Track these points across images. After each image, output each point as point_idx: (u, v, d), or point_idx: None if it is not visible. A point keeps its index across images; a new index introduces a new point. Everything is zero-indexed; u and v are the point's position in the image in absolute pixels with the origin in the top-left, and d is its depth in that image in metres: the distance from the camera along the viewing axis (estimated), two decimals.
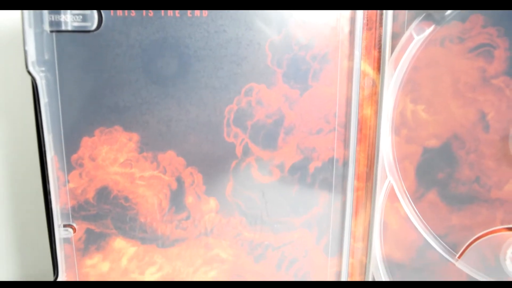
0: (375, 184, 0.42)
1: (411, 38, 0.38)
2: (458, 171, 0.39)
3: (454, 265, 0.40)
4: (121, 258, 0.42)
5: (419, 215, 0.41)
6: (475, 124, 0.37)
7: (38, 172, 0.39)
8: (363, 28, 0.40)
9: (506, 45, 0.36)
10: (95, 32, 0.38)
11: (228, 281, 0.44)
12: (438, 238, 0.41)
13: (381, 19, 0.40)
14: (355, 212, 0.44)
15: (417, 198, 0.41)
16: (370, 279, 0.45)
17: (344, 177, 0.43)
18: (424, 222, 0.41)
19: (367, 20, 0.40)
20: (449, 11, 0.37)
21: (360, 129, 0.42)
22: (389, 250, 0.44)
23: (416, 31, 0.38)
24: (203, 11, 0.38)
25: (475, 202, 0.39)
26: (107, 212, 0.41)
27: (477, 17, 0.36)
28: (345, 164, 0.42)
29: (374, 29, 0.40)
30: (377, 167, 0.42)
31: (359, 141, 0.42)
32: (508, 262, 0.38)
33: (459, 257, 0.40)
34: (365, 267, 0.45)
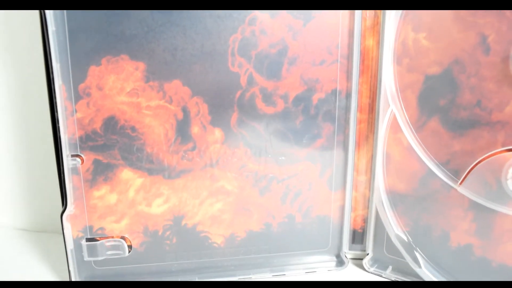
0: (378, 115, 0.43)
1: None
2: (459, 96, 0.39)
3: (457, 191, 0.41)
4: (128, 189, 0.43)
5: (422, 143, 0.42)
6: (475, 47, 0.38)
7: (47, 103, 0.39)
8: None
9: None
10: None
11: (229, 281, 0.44)
12: (441, 166, 0.42)
13: None
14: (358, 145, 0.45)
15: (419, 126, 0.42)
16: (373, 212, 0.46)
17: (347, 109, 0.44)
18: (427, 150, 0.42)
19: None
20: None
21: (362, 60, 0.43)
22: (392, 182, 0.44)
23: None
24: None
25: (476, 126, 0.39)
26: (114, 143, 0.42)
27: None
28: (348, 95, 0.43)
29: None
30: (379, 98, 0.43)
31: (362, 72, 0.43)
32: (509, 181, 0.38)
33: (461, 183, 0.40)
34: (368, 201, 0.46)
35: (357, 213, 0.47)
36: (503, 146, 0.38)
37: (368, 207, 0.46)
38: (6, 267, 0.48)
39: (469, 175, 0.40)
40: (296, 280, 0.45)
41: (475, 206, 0.41)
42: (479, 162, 0.39)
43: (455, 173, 0.41)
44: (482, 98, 0.38)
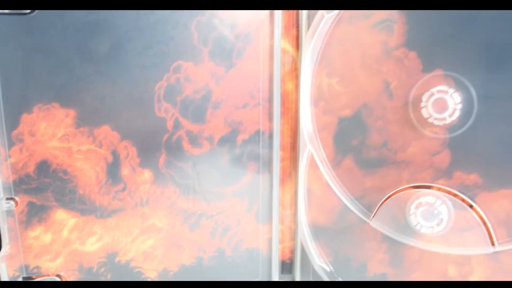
0: (299, 154, 0.47)
1: (322, 17, 0.43)
2: (368, 138, 0.43)
3: (370, 225, 0.44)
4: (62, 229, 0.46)
5: (338, 180, 0.45)
6: (380, 93, 0.42)
7: None
8: None
9: (403, 19, 0.40)
10: (30, 15, 0.41)
11: (230, 281, 0.47)
12: (355, 201, 0.45)
13: None
14: (282, 181, 0.48)
15: (335, 164, 0.45)
16: (298, 244, 0.49)
17: (270, 148, 0.47)
18: (343, 186, 0.45)
19: None
20: None
21: (282, 103, 0.46)
22: (314, 216, 0.48)
23: (327, 10, 0.43)
24: None
25: (384, 165, 0.43)
26: (47, 185, 0.44)
27: None
28: (271, 136, 0.47)
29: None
30: (299, 138, 0.46)
31: (282, 114, 0.47)
32: (412, 217, 0.42)
33: (372, 217, 0.44)
34: (294, 233, 0.50)
35: (284, 244, 0.50)
36: (407, 183, 0.42)
37: (294, 239, 0.49)
38: None
39: (379, 210, 0.43)
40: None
41: (387, 238, 0.44)
42: (387, 198, 0.43)
43: (368, 208, 0.44)
44: (388, 140, 0.42)
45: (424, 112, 0.40)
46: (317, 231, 0.48)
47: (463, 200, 0.40)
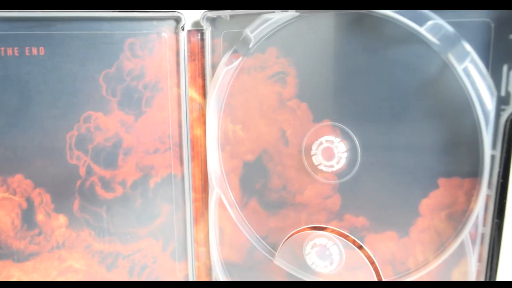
0: (209, 195, 0.50)
1: (223, 68, 0.46)
2: (270, 181, 0.46)
3: (274, 263, 0.48)
4: None
5: (246, 220, 0.48)
6: (278, 140, 0.45)
7: None
8: (187, 59, 0.48)
9: (294, 73, 0.44)
10: None
11: (228, 280, 0.50)
12: (261, 240, 0.48)
13: (202, 51, 0.48)
14: (196, 220, 0.51)
15: (242, 205, 0.48)
16: (214, 279, 0.52)
17: (182, 190, 0.50)
18: (250, 226, 0.48)
19: (190, 53, 0.48)
20: (251, 44, 0.44)
21: (192, 147, 0.49)
22: (226, 253, 0.51)
23: (227, 63, 0.46)
24: (40, 48, 0.45)
25: (284, 207, 0.46)
26: None
27: (272, 49, 0.44)
28: (182, 178, 0.50)
29: (197, 60, 0.48)
30: (208, 180, 0.49)
31: (193, 158, 0.50)
32: (307, 256, 0.45)
33: (276, 256, 0.47)
34: (209, 269, 0.53)
35: (201, 279, 0.53)
36: (305, 223, 0.45)
37: (210, 275, 0.52)
38: None
39: (282, 249, 0.47)
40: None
41: (290, 275, 0.47)
42: (287, 238, 0.46)
43: (273, 247, 0.48)
44: (287, 183, 0.45)
45: (315, 159, 0.43)
46: (230, 267, 0.51)
47: (353, 242, 0.43)
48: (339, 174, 0.42)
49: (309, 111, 0.43)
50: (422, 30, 0.36)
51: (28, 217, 0.46)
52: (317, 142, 0.42)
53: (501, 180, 0.35)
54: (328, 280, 0.44)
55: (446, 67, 0.36)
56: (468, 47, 0.35)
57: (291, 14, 0.41)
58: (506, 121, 0.34)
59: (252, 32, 0.43)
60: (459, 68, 0.35)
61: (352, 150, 0.41)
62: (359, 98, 0.41)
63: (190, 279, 0.52)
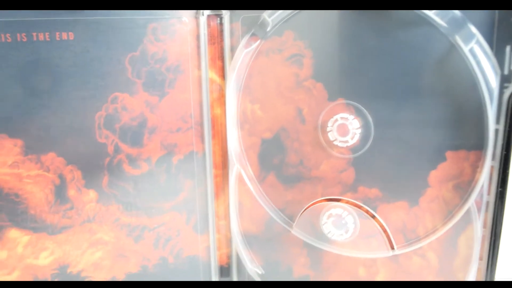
0: (229, 171, 0.53)
1: (242, 51, 0.49)
2: (287, 157, 0.50)
3: (292, 233, 0.52)
4: (17, 246, 0.52)
5: (264, 194, 0.52)
6: (295, 118, 0.49)
7: None
8: (207, 43, 0.51)
9: (310, 54, 0.47)
10: None
11: (228, 281, 0.54)
12: (279, 212, 0.52)
13: (221, 35, 0.51)
14: (216, 195, 0.55)
15: (261, 180, 0.52)
16: (234, 251, 0.56)
17: (204, 166, 0.54)
18: (268, 199, 0.52)
19: (210, 37, 0.51)
20: (269, 28, 0.48)
21: (213, 126, 0.53)
22: (246, 225, 0.55)
23: (246, 45, 0.49)
24: (70, 33, 0.48)
25: (301, 181, 0.50)
26: (0, 208, 0.50)
27: (289, 33, 0.48)
28: (203, 155, 0.53)
29: (217, 43, 0.51)
30: (228, 157, 0.53)
31: (213, 136, 0.53)
32: (324, 226, 0.49)
33: (294, 227, 0.51)
34: (229, 241, 0.57)
35: (221, 251, 0.57)
36: (321, 196, 0.49)
37: (230, 247, 0.57)
38: None
39: (299, 220, 0.50)
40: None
41: (307, 245, 0.51)
42: (305, 209, 0.50)
43: (291, 218, 0.52)
44: (304, 158, 0.49)
45: (331, 135, 0.47)
46: (249, 239, 0.55)
47: (366, 211, 0.47)
48: (353, 149, 0.46)
49: (324, 90, 0.46)
50: (431, 13, 0.39)
51: (60, 192, 0.50)
52: (332, 119, 0.46)
53: (504, 152, 0.39)
54: (343, 247, 0.48)
55: (453, 48, 0.39)
56: (474, 29, 0.39)
57: None
58: (509, 97, 0.38)
59: (269, 16, 0.46)
60: (466, 49, 0.39)
61: (366, 126, 0.45)
62: (371, 78, 0.44)
63: (212, 250, 0.56)
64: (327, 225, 0.48)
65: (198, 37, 0.50)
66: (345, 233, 0.47)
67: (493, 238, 0.40)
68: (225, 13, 0.50)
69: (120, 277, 0.54)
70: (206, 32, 0.50)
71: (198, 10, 0.50)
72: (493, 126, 0.38)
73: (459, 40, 0.39)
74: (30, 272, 0.52)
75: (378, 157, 0.45)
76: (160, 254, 0.55)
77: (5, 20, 0.46)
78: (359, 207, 0.47)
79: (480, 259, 0.42)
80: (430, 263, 0.45)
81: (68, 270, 0.53)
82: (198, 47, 0.50)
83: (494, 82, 0.38)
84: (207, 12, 0.50)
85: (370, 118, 0.44)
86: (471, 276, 0.42)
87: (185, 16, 0.50)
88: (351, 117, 0.45)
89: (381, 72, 0.43)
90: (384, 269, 0.48)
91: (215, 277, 0.57)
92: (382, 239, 0.46)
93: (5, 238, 0.51)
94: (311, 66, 0.46)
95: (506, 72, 0.38)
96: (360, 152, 0.46)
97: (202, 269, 0.57)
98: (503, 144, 0.38)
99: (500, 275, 0.42)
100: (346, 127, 0.45)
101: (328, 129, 0.46)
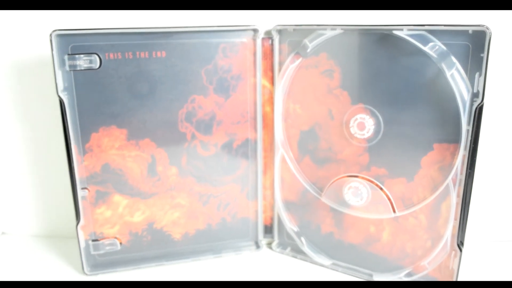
0: (274, 154, 0.76)
1: (288, 65, 0.71)
2: (319, 144, 0.72)
3: (321, 200, 0.74)
4: (118, 207, 0.74)
5: (301, 171, 0.75)
6: (326, 116, 0.71)
7: (65, 157, 0.70)
8: (261, 58, 0.73)
9: (339, 70, 0.69)
10: (97, 70, 0.69)
11: (227, 281, 0.77)
12: (312, 185, 0.75)
13: (272, 53, 0.73)
14: (264, 172, 0.77)
15: (299, 161, 0.74)
16: (276, 214, 0.79)
17: (256, 150, 0.76)
18: (303, 175, 0.75)
19: (263, 54, 0.73)
20: (309, 49, 0.70)
21: (264, 120, 0.75)
22: (286, 195, 0.77)
23: (291, 61, 0.71)
24: (163, 52, 0.70)
25: (329, 162, 0.72)
26: (108, 179, 0.73)
27: (323, 53, 0.69)
28: (256, 142, 0.76)
29: (268, 59, 0.73)
30: (275, 143, 0.75)
31: (264, 127, 0.75)
32: (345, 195, 0.72)
33: (323, 196, 0.74)
34: (273, 206, 0.79)
35: (266, 214, 0.80)
36: (344, 173, 0.72)
37: (273, 210, 0.79)
38: (30, 266, 0.80)
39: (327, 190, 0.73)
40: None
41: (333, 209, 0.74)
42: (332, 183, 0.72)
43: (320, 189, 0.74)
44: (332, 146, 0.71)
45: (352, 130, 0.68)
46: (288, 205, 0.77)
47: (376, 185, 0.69)
48: (368, 140, 0.68)
49: (348, 97, 0.68)
50: (425, 48, 0.61)
51: (151, 168, 0.73)
52: (353, 118, 0.67)
53: (472, 145, 0.61)
54: (359, 211, 0.71)
55: (440, 72, 0.61)
56: (454, 60, 0.60)
57: (338, 32, 0.66)
58: (476, 108, 0.60)
59: (310, 42, 0.68)
60: (448, 73, 0.60)
61: (378, 124, 0.66)
62: (383, 89, 0.65)
63: (259, 213, 0.78)
64: (348, 195, 0.70)
65: (255, 54, 0.72)
66: (361, 200, 0.70)
67: (464, 205, 0.63)
68: (275, 36, 0.71)
69: (192, 232, 0.77)
70: (261, 50, 0.72)
71: (255, 34, 0.71)
72: (465, 127, 0.60)
73: (444, 67, 0.60)
74: (126, 227, 0.75)
75: (385, 146, 0.67)
76: (221, 216, 0.78)
77: (117, 43, 0.68)
78: (371, 181, 0.69)
79: (455, 219, 0.64)
80: (421, 222, 0.67)
81: (154, 226, 0.76)
82: (255, 61, 0.72)
83: (467, 97, 0.60)
84: (261, 35, 0.71)
85: (381, 118, 0.66)
86: (449, 231, 0.65)
87: (246, 38, 0.72)
88: (367, 117, 0.66)
89: (390, 85, 0.65)
90: (388, 226, 0.70)
91: (261, 234, 0.80)
92: (387, 205, 0.68)
93: (110, 201, 0.73)
94: (339, 78, 0.68)
95: (475, 90, 0.59)
96: (373, 142, 0.67)
97: (251, 228, 0.80)
98: (471, 140, 0.60)
99: (468, 230, 0.64)
100: (364, 124, 0.67)
101: (350, 125, 0.68)
